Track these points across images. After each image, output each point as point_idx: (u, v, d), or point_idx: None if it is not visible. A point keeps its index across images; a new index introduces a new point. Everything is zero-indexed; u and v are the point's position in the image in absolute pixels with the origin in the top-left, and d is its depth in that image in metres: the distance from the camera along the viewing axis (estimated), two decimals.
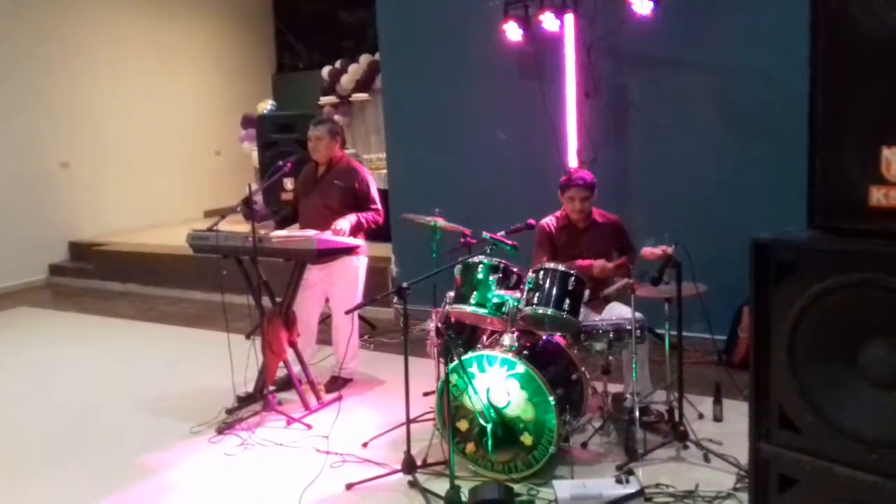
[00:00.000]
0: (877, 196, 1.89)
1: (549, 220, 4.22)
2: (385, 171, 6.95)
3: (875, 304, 1.87)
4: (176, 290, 7.92)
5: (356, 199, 4.65)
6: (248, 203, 4.24)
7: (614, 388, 3.98)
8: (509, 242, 3.87)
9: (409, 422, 3.50)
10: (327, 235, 4.30)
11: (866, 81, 1.90)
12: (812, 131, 2.00)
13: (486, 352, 3.53)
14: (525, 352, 3.53)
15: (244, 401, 4.41)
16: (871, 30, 1.87)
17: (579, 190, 4.08)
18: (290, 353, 4.43)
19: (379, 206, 4.73)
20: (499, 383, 3.44)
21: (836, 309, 1.95)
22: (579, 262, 3.93)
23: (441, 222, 4.17)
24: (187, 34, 10.75)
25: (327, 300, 4.84)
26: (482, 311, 3.68)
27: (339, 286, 4.66)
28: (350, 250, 4.50)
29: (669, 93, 5.09)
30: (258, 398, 4.39)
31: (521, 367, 3.39)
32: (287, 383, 4.52)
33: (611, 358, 3.74)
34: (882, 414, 1.90)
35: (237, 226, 4.69)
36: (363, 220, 4.58)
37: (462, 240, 4.11)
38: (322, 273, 4.63)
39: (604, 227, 4.19)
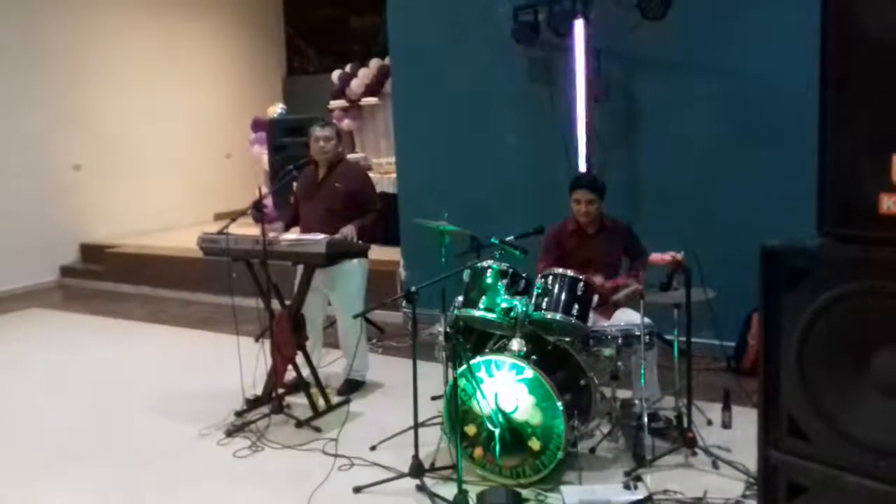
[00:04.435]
0: (887, 204, 1.88)
1: (560, 226, 4.22)
2: (394, 175, 6.97)
3: (885, 312, 1.86)
4: (186, 292, 7.95)
5: (358, 200, 4.67)
6: (258, 206, 4.26)
7: (623, 393, 3.97)
8: (518, 247, 3.88)
9: (417, 426, 3.50)
10: (336, 239, 4.31)
11: (877, 89, 1.89)
12: (822, 138, 2.00)
13: (495, 356, 3.53)
14: (533, 357, 3.53)
15: (253, 403, 4.42)
16: (881, 37, 1.87)
17: (585, 192, 4.07)
18: (298, 356, 4.44)
19: (379, 205, 4.77)
20: (507, 388, 3.43)
21: (846, 316, 1.94)
22: (587, 276, 3.90)
23: (450, 227, 4.18)
24: (198, 38, 10.80)
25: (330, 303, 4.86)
26: (491, 315, 3.68)
27: (339, 289, 4.67)
28: (357, 253, 4.52)
29: (679, 97, 5.09)
30: (267, 401, 4.40)
31: (529, 372, 3.39)
32: (296, 386, 4.54)
33: (619, 364, 3.73)
34: (892, 422, 1.89)
35: (247, 229, 4.70)
36: (367, 225, 4.60)
37: (471, 244, 4.12)
38: (323, 276, 4.61)
39: (613, 233, 4.18)
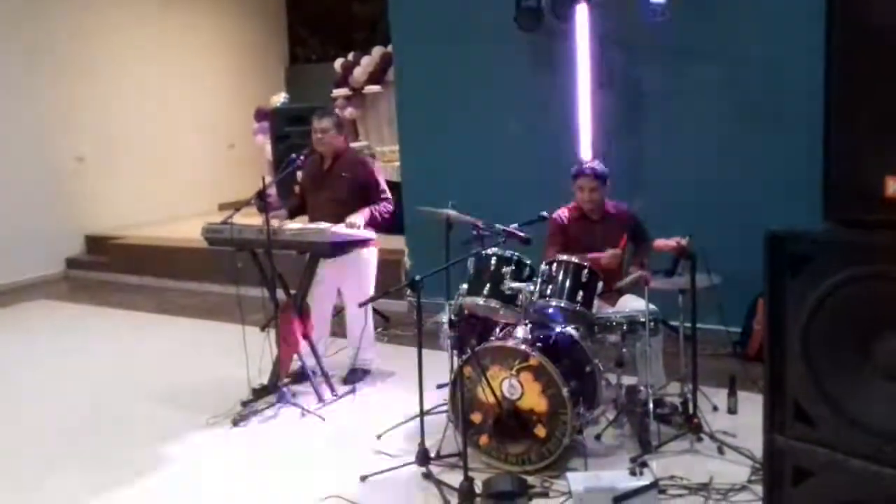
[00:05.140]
0: (893, 187, 1.87)
1: (562, 212, 4.21)
2: (398, 163, 6.96)
3: (890, 297, 1.86)
4: (191, 282, 7.97)
5: (364, 190, 4.65)
6: (262, 196, 4.26)
7: (628, 380, 3.97)
8: (522, 235, 3.87)
9: (422, 414, 3.51)
10: (341, 228, 4.31)
11: (881, 72, 1.88)
12: (827, 123, 1.98)
13: (500, 344, 3.53)
14: (538, 344, 3.53)
15: (259, 393, 4.44)
16: (886, 20, 1.86)
17: (588, 179, 4.07)
18: (304, 346, 4.45)
19: (388, 194, 4.74)
20: (512, 375, 3.44)
21: (851, 301, 1.93)
22: (590, 255, 3.91)
23: (454, 214, 4.17)
24: (201, 27, 10.78)
25: (340, 293, 4.86)
26: (495, 303, 3.68)
27: (350, 278, 4.68)
28: (362, 243, 4.52)
29: (683, 84, 5.06)
30: (273, 390, 4.42)
31: (534, 360, 3.39)
32: (301, 375, 4.55)
33: (624, 350, 3.72)
34: None
35: (251, 218, 4.70)
36: (376, 214, 4.59)
37: (475, 232, 4.11)
38: (334, 266, 4.63)
39: (617, 219, 4.18)
